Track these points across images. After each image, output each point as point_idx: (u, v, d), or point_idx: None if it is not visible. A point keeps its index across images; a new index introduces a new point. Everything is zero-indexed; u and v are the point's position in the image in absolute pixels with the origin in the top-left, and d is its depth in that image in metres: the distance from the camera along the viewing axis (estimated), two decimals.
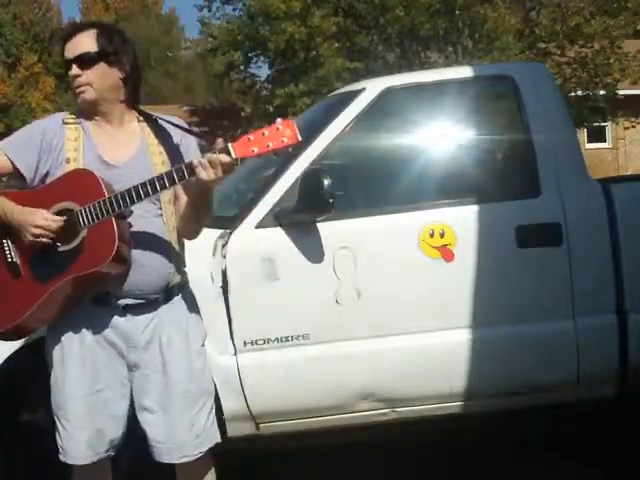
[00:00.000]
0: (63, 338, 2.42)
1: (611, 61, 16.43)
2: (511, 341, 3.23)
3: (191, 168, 2.24)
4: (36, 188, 2.43)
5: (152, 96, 33.45)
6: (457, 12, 15.83)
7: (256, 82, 19.73)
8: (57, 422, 2.45)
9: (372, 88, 3.41)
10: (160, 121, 2.53)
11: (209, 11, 18.72)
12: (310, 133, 3.34)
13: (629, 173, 19.75)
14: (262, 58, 19.12)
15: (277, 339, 3.12)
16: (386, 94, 3.38)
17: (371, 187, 3.55)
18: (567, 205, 3.27)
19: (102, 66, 2.42)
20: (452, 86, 3.55)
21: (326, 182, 2.86)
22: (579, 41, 16.49)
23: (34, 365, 2.97)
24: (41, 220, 2.29)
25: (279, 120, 2.19)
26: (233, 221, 3.18)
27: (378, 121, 3.50)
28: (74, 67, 2.41)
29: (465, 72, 3.76)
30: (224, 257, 3.09)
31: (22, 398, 3.05)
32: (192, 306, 2.56)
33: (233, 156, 2.20)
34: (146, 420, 2.46)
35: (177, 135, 2.52)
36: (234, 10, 18.82)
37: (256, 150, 2.17)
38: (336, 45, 16.69)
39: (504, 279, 3.25)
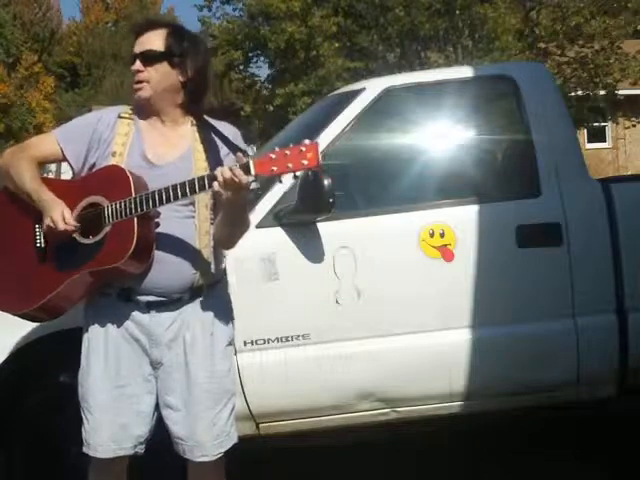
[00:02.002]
0: (90, 332, 2.46)
1: (611, 61, 16.42)
2: (511, 341, 3.23)
3: (212, 179, 2.26)
4: (74, 179, 2.51)
5: None
6: (457, 12, 15.82)
7: (256, 82, 19.72)
8: (82, 414, 2.47)
9: (372, 88, 3.41)
10: (212, 129, 2.53)
11: (209, 11, 18.72)
12: (310, 133, 3.35)
13: (629, 173, 19.75)
14: (262, 58, 19.12)
15: (277, 339, 3.12)
16: (386, 94, 3.38)
17: (371, 187, 3.55)
18: (567, 205, 3.28)
19: (164, 66, 2.45)
20: (452, 86, 3.55)
21: (326, 182, 2.86)
22: (579, 41, 16.47)
23: (36, 363, 2.98)
24: (57, 216, 2.35)
25: (306, 141, 2.20)
26: None
27: (378, 121, 3.50)
28: (137, 62, 2.45)
29: (465, 72, 3.76)
30: (224, 257, 3.09)
31: (24, 396, 3.05)
32: (221, 306, 2.57)
33: (252, 173, 2.21)
34: (169, 417, 2.48)
35: (225, 148, 2.52)
36: (234, 10, 18.83)
37: (275, 169, 2.19)
38: (336, 45, 16.68)
39: (504, 279, 3.25)
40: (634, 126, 18.61)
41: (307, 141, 2.20)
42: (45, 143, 2.54)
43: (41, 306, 2.42)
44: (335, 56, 16.47)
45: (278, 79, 18.23)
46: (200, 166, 2.46)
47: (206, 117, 2.57)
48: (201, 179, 2.28)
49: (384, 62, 16.65)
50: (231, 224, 2.46)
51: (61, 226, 2.34)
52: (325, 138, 3.25)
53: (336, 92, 4.00)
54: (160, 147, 2.48)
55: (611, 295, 3.29)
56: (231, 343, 2.59)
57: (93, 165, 2.48)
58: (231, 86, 21.82)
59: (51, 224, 2.36)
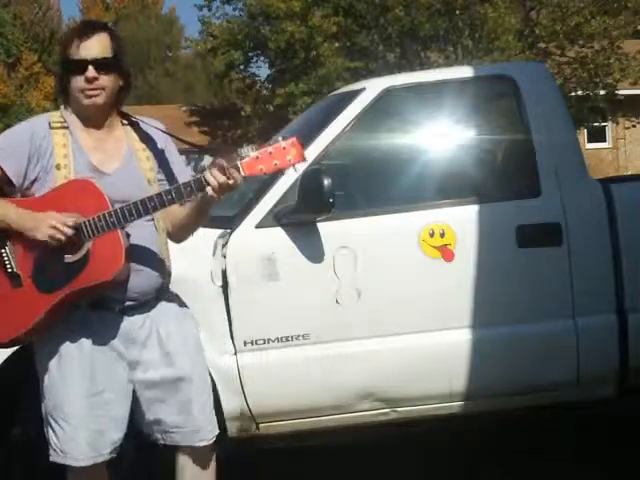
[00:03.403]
0: (60, 343, 2.40)
1: (611, 61, 16.45)
2: (511, 341, 3.23)
3: (200, 185, 2.26)
4: (37, 196, 2.40)
5: (152, 96, 33.44)
6: (457, 12, 15.84)
7: (256, 82, 19.74)
8: (54, 424, 2.43)
9: (372, 88, 3.41)
10: (142, 125, 2.52)
11: (209, 11, 18.74)
12: (310, 133, 3.35)
13: (629, 173, 19.75)
14: (262, 58, 19.14)
15: (277, 339, 3.12)
16: (386, 94, 3.38)
17: (371, 187, 3.55)
18: (567, 205, 3.27)
19: (113, 72, 2.42)
20: (452, 86, 3.55)
21: (326, 182, 2.86)
22: (579, 41, 16.50)
23: (29, 368, 2.98)
24: (55, 221, 2.27)
25: (283, 139, 2.21)
26: (233, 221, 3.18)
27: (378, 121, 3.50)
28: (91, 69, 2.36)
29: (465, 72, 3.76)
30: (224, 257, 3.09)
31: (17, 401, 3.04)
32: (180, 302, 2.60)
33: (242, 174, 2.23)
34: (160, 410, 2.49)
35: (161, 139, 2.53)
36: (234, 10, 18.85)
37: (264, 169, 2.21)
38: (336, 45, 16.70)
39: (504, 279, 3.25)
40: (634, 126, 18.63)
41: (281, 138, 2.22)
42: None
43: (24, 334, 2.34)
44: (335, 56, 16.51)
45: (278, 79, 18.27)
46: (145, 165, 2.47)
47: (128, 113, 2.55)
48: (187, 185, 2.27)
49: (384, 62, 16.68)
50: (199, 219, 2.49)
51: (67, 227, 2.26)
52: (325, 138, 3.25)
53: (336, 92, 4.00)
54: (102, 154, 2.44)
55: (611, 295, 3.29)
56: (198, 335, 2.61)
57: (35, 180, 2.40)
58: (231, 86, 21.83)
59: (52, 231, 2.26)
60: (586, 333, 3.26)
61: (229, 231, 3.14)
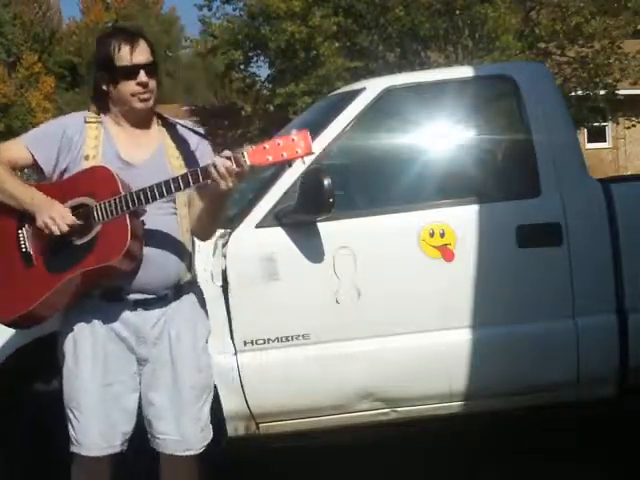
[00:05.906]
0: (75, 333, 2.46)
1: (611, 61, 16.42)
2: (511, 341, 3.23)
3: (206, 172, 2.28)
4: (56, 181, 2.49)
5: None
6: (457, 12, 15.82)
7: (256, 82, 19.71)
8: (70, 414, 2.48)
9: (372, 88, 3.41)
10: (177, 126, 2.58)
11: (209, 10, 18.71)
12: (310, 133, 3.34)
13: (629, 173, 19.74)
14: (262, 58, 19.11)
15: (277, 339, 3.12)
16: (386, 94, 3.38)
17: (371, 187, 3.55)
18: (567, 205, 3.28)
19: (156, 75, 2.50)
20: (452, 86, 3.55)
21: (326, 182, 2.86)
22: (579, 41, 16.46)
23: (35, 364, 2.98)
24: (56, 213, 2.34)
25: (294, 131, 2.23)
26: (233, 221, 3.19)
27: (378, 121, 3.50)
28: (143, 74, 2.45)
29: (465, 72, 3.77)
30: (224, 257, 3.09)
31: (22, 396, 3.05)
32: (200, 303, 2.61)
33: (247, 163, 2.23)
34: (153, 413, 2.50)
35: (194, 140, 2.57)
36: (234, 10, 18.82)
37: (271, 159, 2.22)
38: (336, 45, 16.67)
39: (504, 279, 3.25)
40: (634, 126, 18.60)
41: (295, 130, 2.24)
42: (14, 149, 2.52)
43: (30, 312, 2.39)
44: (335, 56, 16.46)
45: (278, 79, 18.23)
46: (175, 163, 2.50)
47: (166, 115, 2.61)
48: (194, 173, 2.30)
49: (384, 62, 16.65)
50: (216, 212, 2.49)
51: (65, 222, 2.33)
52: (325, 138, 3.25)
53: (336, 92, 4.00)
54: (132, 148, 2.51)
55: (611, 295, 3.29)
56: (207, 340, 2.62)
57: (64, 170, 2.48)
58: (231, 86, 21.81)
59: (49, 221, 2.34)
60: (586, 333, 3.26)
61: (229, 231, 3.14)
